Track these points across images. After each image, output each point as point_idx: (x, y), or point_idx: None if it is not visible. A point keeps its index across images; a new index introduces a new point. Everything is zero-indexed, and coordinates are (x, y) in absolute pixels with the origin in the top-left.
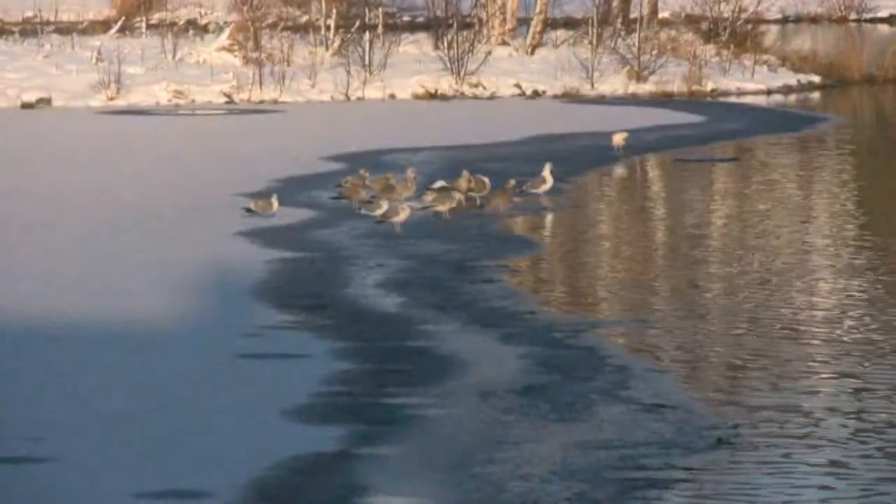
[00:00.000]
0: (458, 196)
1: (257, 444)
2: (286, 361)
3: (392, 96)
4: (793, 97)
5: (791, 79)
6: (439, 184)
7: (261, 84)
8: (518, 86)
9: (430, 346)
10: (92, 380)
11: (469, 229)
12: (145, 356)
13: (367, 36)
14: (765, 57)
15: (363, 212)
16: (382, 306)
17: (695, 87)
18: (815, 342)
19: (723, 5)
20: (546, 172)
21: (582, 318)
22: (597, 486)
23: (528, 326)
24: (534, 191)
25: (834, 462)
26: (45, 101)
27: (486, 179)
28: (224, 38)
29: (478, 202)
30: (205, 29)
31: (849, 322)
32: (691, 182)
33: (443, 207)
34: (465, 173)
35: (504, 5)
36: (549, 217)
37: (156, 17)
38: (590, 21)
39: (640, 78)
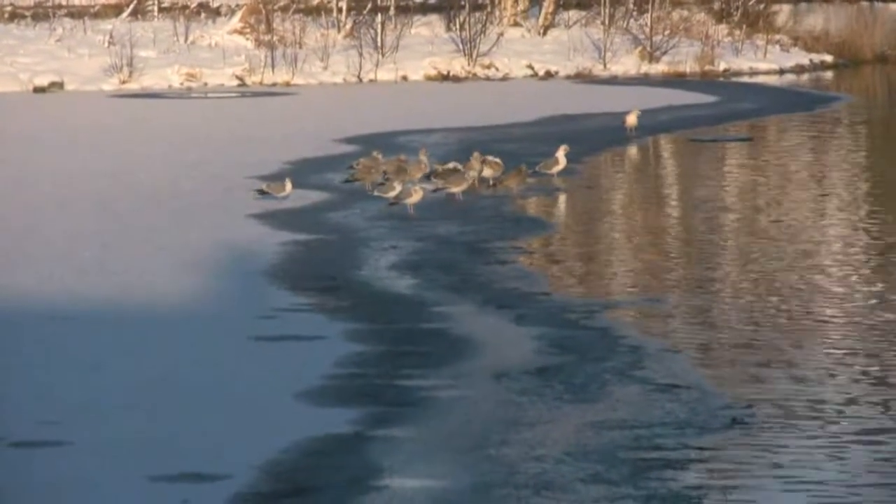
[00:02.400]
0: (471, 175)
1: (272, 426)
2: (300, 344)
3: (404, 78)
4: (805, 77)
5: (803, 58)
6: (452, 165)
7: (273, 66)
8: (530, 67)
9: (444, 327)
10: (106, 362)
11: (482, 211)
12: (159, 338)
13: (379, 18)
14: (777, 37)
15: (376, 193)
16: (396, 288)
17: (707, 68)
18: (831, 322)
19: None
20: (560, 153)
21: (596, 299)
22: (611, 467)
23: (542, 307)
24: (546, 171)
25: (849, 441)
26: (58, 85)
27: (499, 160)
28: (236, 21)
29: (491, 183)
30: (216, 12)
31: (865, 302)
32: (705, 162)
33: (456, 189)
34: (477, 154)
35: None
36: (563, 198)
37: (167, 0)
38: (602, 1)
39: (652, 58)
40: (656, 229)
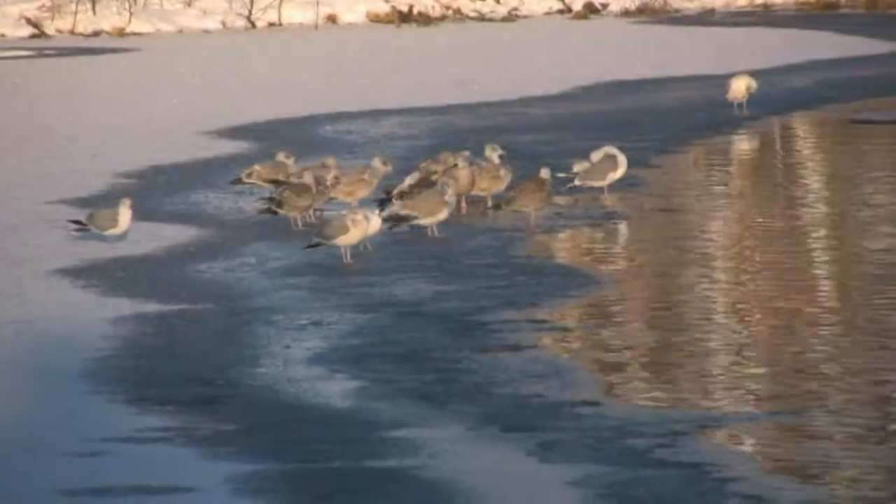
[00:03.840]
0: (450, 198)
1: None
2: None
3: (331, 19)
4: None
5: None
6: (410, 179)
7: (93, 1)
8: None
9: (410, 468)
10: None
11: (475, 255)
12: None
13: None
14: None
15: (301, 227)
16: (322, 398)
17: None
18: None
19: None
20: (612, 151)
21: (680, 412)
22: None
23: (587, 430)
24: (590, 182)
25: None
26: None
27: (499, 158)
28: None
29: (489, 206)
30: None
31: None
32: (874, 163)
33: (430, 219)
34: (465, 156)
35: None
36: (619, 230)
37: None
38: None
39: None
40: (785, 290)
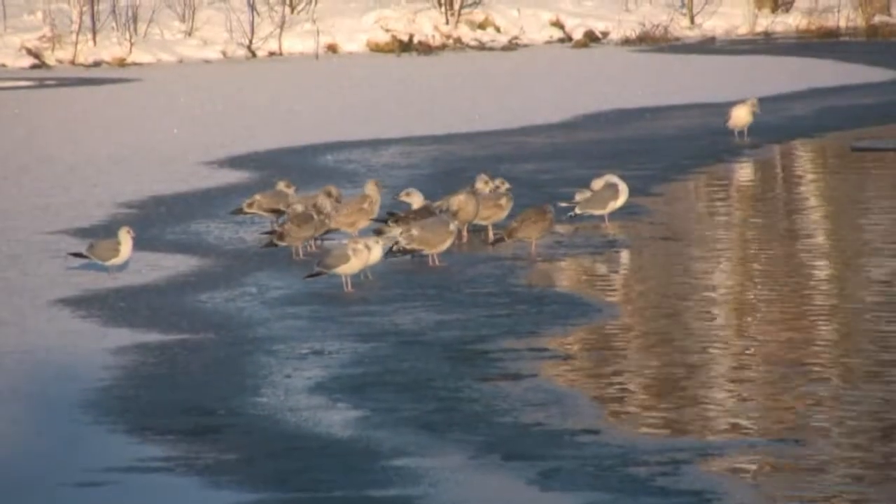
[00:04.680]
0: (455, 227)
1: None
2: None
3: (331, 49)
4: None
5: None
6: (414, 199)
7: (94, 30)
8: (557, 24)
9: (411, 499)
10: None
11: (476, 283)
12: None
13: None
14: None
15: (302, 257)
16: (323, 427)
17: (880, 19)
18: None
19: None
20: (613, 179)
21: (681, 440)
22: None
23: (588, 458)
24: (591, 211)
25: None
26: None
27: (507, 189)
28: None
29: (491, 237)
30: None
31: None
32: (876, 190)
33: (432, 249)
34: (465, 191)
35: None
36: (621, 259)
37: None
38: None
39: (777, 5)
40: (786, 318)
